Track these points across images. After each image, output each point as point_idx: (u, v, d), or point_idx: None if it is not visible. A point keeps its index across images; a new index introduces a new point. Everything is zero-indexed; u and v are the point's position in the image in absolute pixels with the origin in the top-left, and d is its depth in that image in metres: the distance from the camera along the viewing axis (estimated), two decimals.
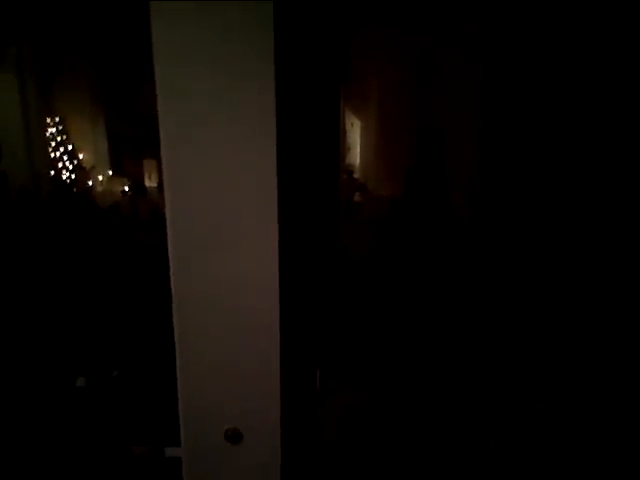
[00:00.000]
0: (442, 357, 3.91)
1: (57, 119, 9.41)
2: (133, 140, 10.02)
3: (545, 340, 3.96)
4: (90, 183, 9.51)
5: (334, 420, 3.05)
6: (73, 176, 9.36)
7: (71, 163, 9.43)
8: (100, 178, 9.69)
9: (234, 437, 1.63)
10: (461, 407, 3.41)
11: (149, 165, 9.55)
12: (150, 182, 9.57)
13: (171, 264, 1.57)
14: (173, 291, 1.60)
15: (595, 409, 3.24)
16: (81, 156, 9.66)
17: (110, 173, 9.98)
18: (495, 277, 4.78)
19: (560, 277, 4.45)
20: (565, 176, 4.76)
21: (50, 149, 9.19)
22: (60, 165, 9.30)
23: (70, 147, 9.45)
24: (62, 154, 9.34)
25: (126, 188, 9.17)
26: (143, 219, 7.81)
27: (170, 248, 1.56)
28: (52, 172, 9.02)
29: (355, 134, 8.75)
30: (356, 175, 8.67)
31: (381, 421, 3.30)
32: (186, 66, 1.45)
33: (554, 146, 4.84)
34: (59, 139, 9.41)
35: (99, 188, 9.61)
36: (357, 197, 7.78)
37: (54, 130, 9.40)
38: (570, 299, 4.23)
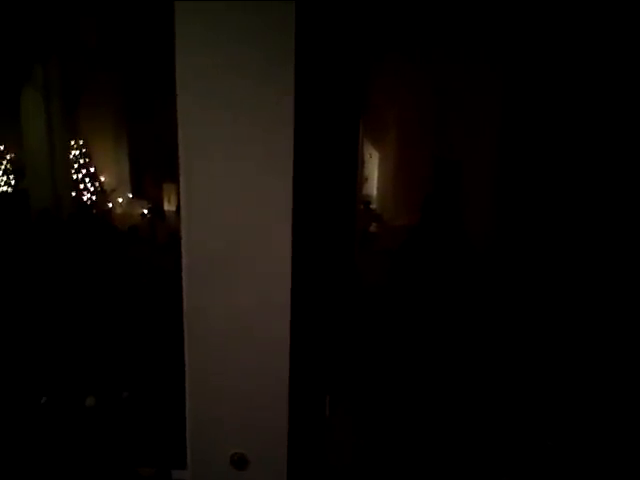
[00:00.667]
0: (456, 386, 3.88)
1: (81, 141, 9.58)
2: (154, 164, 10.17)
3: (563, 375, 3.91)
4: (110, 205, 9.63)
5: (342, 447, 3.03)
6: (94, 198, 9.50)
7: (92, 185, 9.57)
8: (120, 200, 9.81)
9: (240, 462, 1.63)
10: (473, 439, 3.37)
11: (168, 189, 9.66)
12: (169, 206, 9.67)
13: (184, 287, 1.59)
14: (185, 314, 1.62)
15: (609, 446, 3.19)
16: (102, 178, 9.81)
17: (130, 196, 10.11)
18: (512, 307, 4.75)
19: (580, 310, 4.42)
20: (583, 207, 4.74)
21: (73, 171, 9.35)
22: (82, 187, 9.44)
23: (92, 169, 9.60)
24: (84, 176, 9.49)
25: (145, 211, 9.27)
26: (161, 242, 7.87)
27: (184, 271, 1.58)
28: (73, 194, 9.15)
29: (373, 165, 8.80)
30: (373, 206, 8.70)
31: (391, 449, 3.27)
32: (206, 95, 1.49)
33: (572, 179, 4.84)
34: (82, 161, 9.57)
35: (119, 210, 9.73)
36: (373, 227, 7.80)
37: (77, 152, 9.57)
38: (589, 334, 4.19)
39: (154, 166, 9.70)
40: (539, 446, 3.25)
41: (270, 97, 1.47)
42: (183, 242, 1.56)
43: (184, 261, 1.56)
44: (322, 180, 2.03)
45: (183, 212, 1.56)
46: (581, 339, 4.22)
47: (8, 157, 9.42)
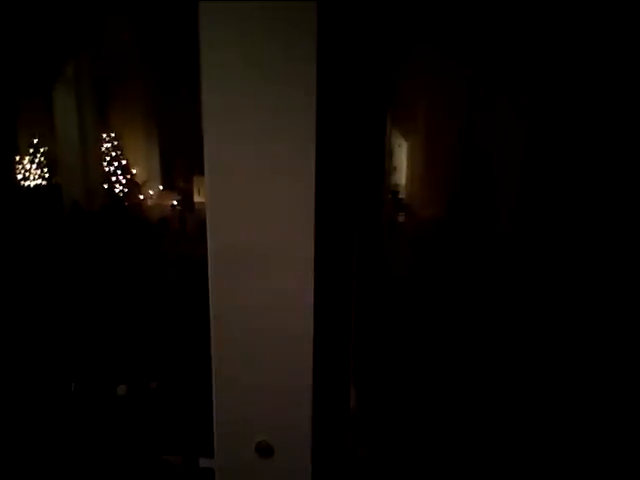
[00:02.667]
0: (484, 379, 3.86)
1: (112, 134, 9.72)
2: (184, 156, 10.27)
3: (596, 369, 3.86)
4: (141, 197, 9.77)
5: (369, 438, 3.04)
6: (125, 190, 9.64)
7: (124, 178, 9.71)
8: (151, 193, 9.94)
9: (265, 450, 1.66)
10: (497, 433, 3.35)
11: (198, 181, 9.75)
12: (199, 198, 9.76)
13: (210, 279, 1.62)
14: (211, 306, 1.64)
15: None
16: (134, 171, 9.94)
17: (161, 188, 10.23)
18: (538, 300, 4.70)
19: (610, 304, 4.35)
20: (611, 199, 4.66)
21: (105, 164, 9.50)
22: (114, 179, 9.59)
23: (124, 162, 9.74)
24: (116, 169, 9.63)
25: (175, 202, 9.38)
26: (190, 233, 7.96)
27: (210, 263, 1.61)
28: (105, 186, 9.30)
29: (402, 155, 8.76)
30: (401, 195, 8.66)
31: (418, 441, 3.27)
32: (231, 89, 1.50)
33: (601, 171, 4.76)
34: (113, 154, 9.72)
35: (149, 202, 9.86)
36: (401, 217, 7.76)
37: (109, 145, 9.71)
38: (626, 331, 4.13)
39: (184, 159, 9.81)
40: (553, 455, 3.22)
41: (293, 89, 1.49)
42: (209, 236, 1.58)
43: (210, 254, 1.58)
44: (350, 170, 2.04)
45: (208, 206, 1.58)
46: (618, 337, 4.15)
47: (42, 150, 9.64)
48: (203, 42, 1.54)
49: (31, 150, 9.49)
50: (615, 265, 4.57)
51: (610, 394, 3.54)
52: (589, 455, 3.14)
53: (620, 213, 4.67)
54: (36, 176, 9.42)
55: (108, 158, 9.54)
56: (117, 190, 9.47)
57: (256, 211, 1.62)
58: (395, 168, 8.90)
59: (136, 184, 9.83)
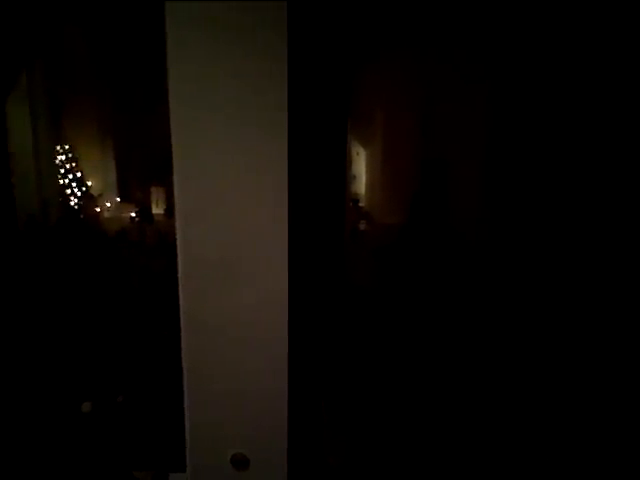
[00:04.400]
0: (449, 387, 3.91)
1: (67, 146, 9.51)
2: (141, 167, 10.11)
3: (552, 374, 3.95)
4: (98, 210, 9.57)
5: (341, 446, 3.05)
6: (81, 202, 9.43)
7: (79, 190, 9.50)
8: (108, 205, 9.75)
9: (240, 463, 1.65)
10: (468, 440, 3.40)
11: (156, 192, 9.61)
12: (157, 209, 9.62)
13: (180, 289, 1.60)
14: (182, 317, 1.63)
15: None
16: (90, 183, 9.73)
17: (118, 200, 10.05)
18: (503, 304, 4.78)
19: (571, 306, 4.46)
20: (572, 205, 4.79)
21: (59, 176, 9.28)
22: (69, 192, 9.37)
23: (79, 174, 9.53)
24: (71, 181, 9.42)
25: (133, 214, 9.22)
26: (150, 245, 7.85)
27: (180, 274, 1.59)
28: (60, 199, 9.08)
29: (360, 163, 8.80)
30: (361, 204, 8.69)
31: (388, 449, 3.29)
32: (199, 97, 1.50)
33: (560, 177, 4.88)
34: (68, 166, 9.50)
35: (107, 214, 9.67)
36: (362, 225, 7.79)
37: (63, 157, 9.49)
38: (582, 333, 4.23)
39: (141, 169, 9.65)
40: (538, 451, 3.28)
41: (263, 98, 1.50)
42: (179, 245, 1.57)
43: (180, 264, 1.57)
44: (312, 179, 2.05)
45: (178, 215, 1.57)
46: (574, 337, 4.26)
47: None
48: (170, 44, 1.53)
49: None
50: (581, 267, 4.69)
51: (589, 403, 3.63)
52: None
53: (583, 215, 4.80)
54: None
55: (62, 170, 9.32)
56: (73, 203, 9.26)
57: (228, 218, 1.62)
58: (354, 177, 8.94)
59: (92, 196, 9.63)
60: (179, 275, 1.57)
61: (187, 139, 1.52)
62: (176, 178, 1.56)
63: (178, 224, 1.57)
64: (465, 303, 4.76)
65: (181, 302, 1.60)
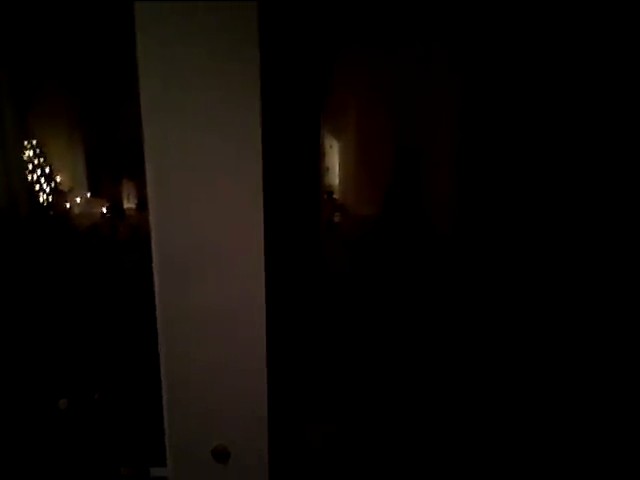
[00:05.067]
0: (426, 380, 3.94)
1: (34, 142, 9.34)
2: (111, 162, 9.98)
3: (534, 363, 4.00)
4: (68, 205, 9.43)
5: (321, 438, 3.06)
6: (50, 198, 9.28)
7: (48, 185, 9.35)
8: (78, 200, 9.61)
9: (221, 455, 1.65)
10: (455, 443, 3.43)
11: (127, 186, 9.50)
12: (128, 203, 9.51)
13: (156, 286, 1.59)
14: (158, 313, 1.61)
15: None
16: (59, 178, 9.58)
17: (88, 195, 9.90)
18: (477, 294, 4.84)
19: (548, 297, 4.52)
20: (544, 193, 4.86)
21: (27, 172, 9.12)
22: (37, 188, 9.21)
23: (47, 169, 9.37)
24: (39, 177, 9.26)
25: (104, 210, 9.10)
26: (122, 240, 7.76)
27: (155, 271, 1.58)
28: (29, 194, 8.93)
29: (334, 155, 8.81)
30: (336, 195, 8.71)
31: (368, 441, 3.31)
32: (170, 92, 1.48)
33: (533, 165, 4.95)
34: (36, 162, 9.34)
35: (77, 210, 9.53)
36: (337, 217, 7.81)
37: (31, 153, 9.33)
38: (550, 325, 4.29)
39: (111, 164, 9.52)
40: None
41: (236, 92, 1.49)
42: (153, 240, 1.56)
43: (155, 259, 1.56)
44: (287, 172, 2.04)
45: (152, 210, 1.55)
46: (541, 330, 4.32)
47: None
48: (140, 40, 1.51)
49: None
50: (556, 261, 4.77)
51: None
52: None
53: (557, 209, 4.87)
54: None
55: (30, 166, 9.16)
56: (42, 199, 9.11)
57: (202, 212, 1.60)
58: (328, 169, 8.95)
59: (61, 192, 9.48)
60: (154, 270, 1.55)
61: (159, 135, 1.51)
62: (149, 173, 1.55)
63: (152, 218, 1.55)
64: (440, 294, 4.81)
65: (157, 297, 1.59)
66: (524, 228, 5.02)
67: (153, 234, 1.52)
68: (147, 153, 1.51)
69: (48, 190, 9.27)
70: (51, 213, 8.92)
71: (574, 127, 4.52)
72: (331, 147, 8.76)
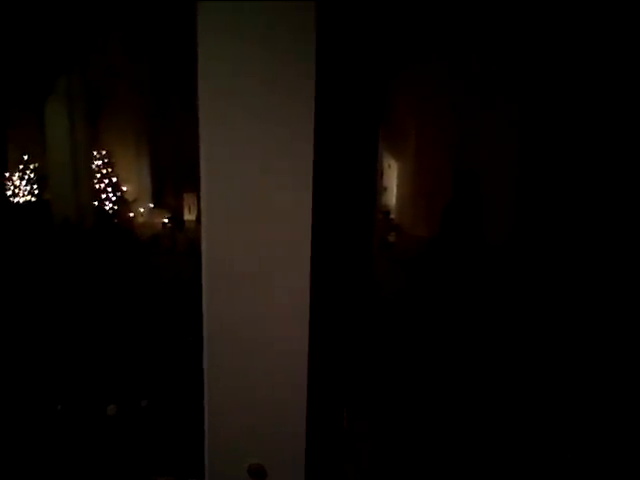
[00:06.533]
0: (475, 399, 3.84)
1: (103, 152, 9.70)
2: (174, 174, 10.26)
3: (590, 382, 3.86)
4: (131, 215, 9.73)
5: (360, 458, 3.01)
6: (116, 208, 9.60)
7: (114, 195, 9.68)
8: (141, 210, 9.91)
9: (257, 473, 1.63)
10: (490, 448, 3.33)
11: (189, 199, 9.74)
12: (189, 215, 9.74)
13: (203, 297, 1.60)
14: (204, 324, 1.62)
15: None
16: (124, 188, 9.91)
17: (151, 206, 10.20)
18: (531, 316, 4.70)
19: (602, 316, 4.36)
20: (602, 216, 4.70)
21: (95, 181, 9.47)
22: (104, 197, 9.55)
23: (114, 179, 9.71)
24: (106, 186, 9.60)
25: (165, 220, 9.35)
26: (181, 251, 7.93)
27: (204, 282, 1.59)
28: (96, 203, 9.26)
29: (392, 175, 8.80)
30: (392, 216, 8.68)
31: (408, 460, 3.24)
32: (227, 106, 1.50)
33: (589, 188, 4.80)
34: (104, 171, 9.69)
35: (140, 220, 9.82)
36: (392, 237, 7.78)
37: (100, 162, 9.69)
38: (616, 341, 4.13)
39: (175, 176, 9.80)
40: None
41: (291, 110, 1.49)
42: (203, 253, 1.57)
43: (204, 272, 1.56)
44: (342, 190, 2.04)
45: (204, 224, 1.56)
46: (603, 346, 4.16)
47: (32, 167, 9.60)
48: (201, 49, 1.54)
49: (21, 166, 9.45)
50: (608, 280, 4.60)
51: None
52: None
53: (613, 228, 4.70)
54: (25, 192, 9.37)
55: (99, 175, 9.51)
56: (107, 207, 9.44)
57: (252, 228, 1.61)
58: (386, 188, 8.94)
59: (126, 201, 9.80)
60: (203, 282, 1.56)
61: (215, 144, 1.52)
62: (203, 186, 1.55)
63: (204, 230, 1.56)
64: (494, 314, 4.70)
65: (203, 308, 1.59)
66: (582, 251, 4.86)
67: (203, 245, 1.53)
68: (202, 167, 1.52)
69: (114, 199, 9.61)
70: (115, 221, 9.23)
71: (628, 152, 4.37)
72: (389, 167, 8.76)
